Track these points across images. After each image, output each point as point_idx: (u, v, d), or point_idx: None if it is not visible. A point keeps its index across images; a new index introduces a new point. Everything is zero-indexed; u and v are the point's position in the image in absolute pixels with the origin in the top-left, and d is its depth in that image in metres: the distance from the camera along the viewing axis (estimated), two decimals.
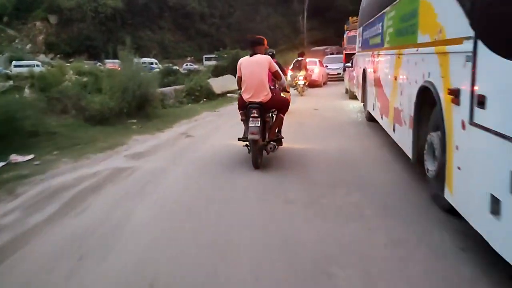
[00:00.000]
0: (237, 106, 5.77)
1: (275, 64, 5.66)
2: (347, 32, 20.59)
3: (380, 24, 7.19)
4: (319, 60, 21.89)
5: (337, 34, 49.04)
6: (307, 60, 17.16)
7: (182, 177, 5.17)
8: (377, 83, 7.35)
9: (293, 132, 7.73)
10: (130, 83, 9.60)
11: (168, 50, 51.96)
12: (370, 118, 8.73)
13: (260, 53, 5.59)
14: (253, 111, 5.29)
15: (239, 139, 5.70)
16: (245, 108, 5.43)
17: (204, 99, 14.86)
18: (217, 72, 21.31)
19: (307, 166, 5.55)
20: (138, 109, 9.82)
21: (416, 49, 4.50)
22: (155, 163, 5.84)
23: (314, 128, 8.61)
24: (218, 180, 5.00)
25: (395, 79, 5.72)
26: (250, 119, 5.28)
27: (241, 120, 5.69)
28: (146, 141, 7.57)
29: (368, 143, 7.01)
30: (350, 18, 21.07)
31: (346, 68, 15.66)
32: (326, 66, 23.13)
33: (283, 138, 6.01)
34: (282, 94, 6.34)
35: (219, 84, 16.19)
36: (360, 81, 10.05)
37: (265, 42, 5.82)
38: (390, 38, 6.38)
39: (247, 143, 5.55)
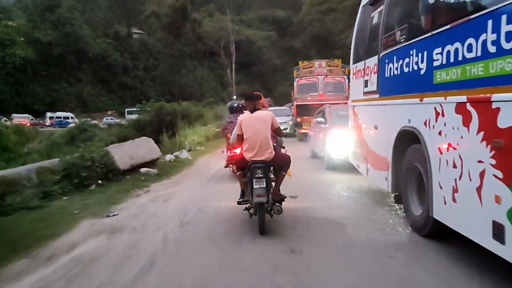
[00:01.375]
0: (234, 166, 5.69)
1: (276, 120, 5.48)
2: (297, 79, 18.08)
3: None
4: None
5: (264, 87, 49.55)
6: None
7: None
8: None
9: None
10: None
11: (87, 103, 48.48)
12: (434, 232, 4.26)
13: (259, 109, 5.43)
14: (258, 171, 4.96)
15: (239, 203, 5.35)
16: (247, 168, 5.14)
17: (99, 181, 8.09)
18: (139, 127, 19.05)
19: None
20: None
21: None
22: None
23: None
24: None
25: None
26: (255, 180, 4.92)
27: (240, 181, 5.43)
28: None
29: None
30: (300, 62, 18.72)
31: (302, 124, 15.20)
32: None
33: (285, 197, 5.46)
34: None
35: (126, 153, 9.44)
36: (378, 149, 5.80)
37: (262, 97, 5.70)
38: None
39: (247, 206, 5.32)
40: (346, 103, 14.14)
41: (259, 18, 58.25)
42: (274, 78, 51.04)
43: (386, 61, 5.21)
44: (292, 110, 19.66)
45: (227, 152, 9.15)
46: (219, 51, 51.17)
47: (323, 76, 17.53)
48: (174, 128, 17.23)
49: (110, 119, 39.64)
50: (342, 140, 8.48)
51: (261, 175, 4.93)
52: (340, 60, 18.55)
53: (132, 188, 7.78)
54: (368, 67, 6.04)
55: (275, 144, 5.68)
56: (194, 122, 20.32)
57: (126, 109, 42.77)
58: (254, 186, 4.88)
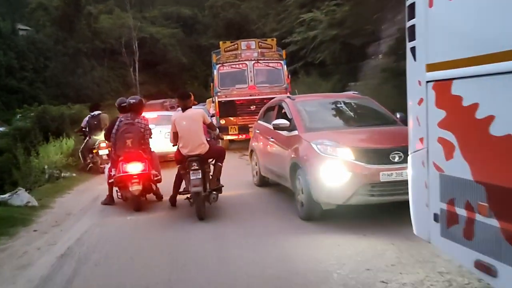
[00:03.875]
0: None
1: (208, 116, 6.57)
2: (217, 66, 13.52)
3: None
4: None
5: (171, 87, 46.96)
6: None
7: None
8: None
9: None
10: None
11: None
12: None
13: (190, 107, 6.22)
14: (193, 163, 5.84)
15: (179, 193, 6.55)
16: (184, 162, 6.00)
17: None
18: (21, 136, 15.71)
19: None
20: None
21: None
22: None
23: None
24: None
25: None
26: (191, 172, 5.80)
27: (180, 173, 6.35)
28: None
29: None
30: (221, 43, 14.07)
31: (228, 129, 13.11)
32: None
33: (223, 186, 6.42)
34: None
35: None
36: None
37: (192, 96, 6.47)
38: None
39: (188, 196, 6.19)
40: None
41: (164, 15, 55.19)
42: (182, 78, 48.69)
43: None
44: (211, 109, 15.14)
45: (110, 171, 7.04)
46: (120, 49, 47.32)
47: (253, 62, 13.40)
48: (61, 136, 14.34)
49: None
50: (336, 161, 5.34)
51: (197, 167, 5.78)
52: (274, 39, 14.37)
53: None
54: None
55: (208, 139, 6.32)
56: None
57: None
58: (191, 178, 5.72)
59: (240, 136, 13.60)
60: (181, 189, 6.55)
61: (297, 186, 6.03)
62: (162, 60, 49.64)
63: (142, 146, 6.83)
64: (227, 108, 13.52)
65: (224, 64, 13.75)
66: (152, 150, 7.50)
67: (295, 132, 6.35)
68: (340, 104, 7.31)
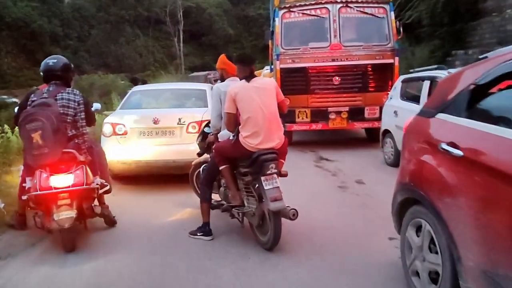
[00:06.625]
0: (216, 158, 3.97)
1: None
2: (281, 12, 8.63)
3: None
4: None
5: (214, 59, 44.08)
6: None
7: None
8: None
9: None
10: None
11: (6, 78, 41.24)
12: None
13: (254, 76, 3.90)
14: (271, 165, 3.67)
15: (222, 210, 4.22)
16: (248, 159, 3.72)
17: None
18: None
19: None
20: None
21: None
22: None
23: None
24: None
25: None
26: (264, 177, 3.66)
27: (223, 179, 4.16)
28: None
29: None
30: None
31: (295, 113, 8.29)
32: None
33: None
34: None
35: None
36: None
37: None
38: None
39: (234, 212, 4.09)
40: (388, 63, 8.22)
41: None
42: (228, 50, 46.08)
43: None
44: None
45: (23, 181, 4.17)
46: (165, 18, 45.33)
47: (339, 6, 8.46)
48: None
49: None
50: None
51: (274, 170, 3.70)
52: None
53: None
54: None
55: None
56: None
57: None
58: (265, 187, 3.66)
59: (314, 126, 8.67)
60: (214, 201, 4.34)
61: None
62: (208, 31, 47.40)
63: (75, 140, 4.06)
64: (294, 80, 8.54)
65: (291, 10, 8.59)
66: (97, 144, 4.92)
67: None
68: None
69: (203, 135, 4.62)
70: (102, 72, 30.57)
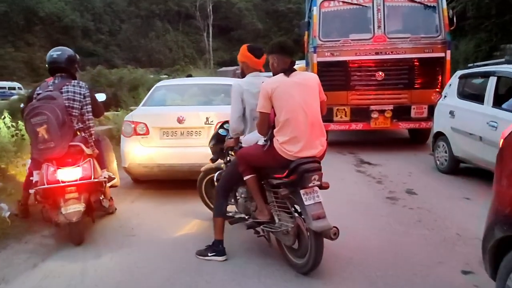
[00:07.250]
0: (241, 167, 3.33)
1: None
2: (318, 2, 7.95)
3: None
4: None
5: None
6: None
7: None
8: None
9: None
10: None
11: (39, 71, 41.82)
12: None
13: (295, 70, 3.18)
14: (314, 176, 3.02)
15: (248, 227, 3.46)
16: (283, 169, 3.07)
17: None
18: None
19: None
20: None
21: None
22: None
23: None
24: None
25: None
26: (304, 191, 3.02)
27: (240, 189, 3.61)
28: None
29: None
30: None
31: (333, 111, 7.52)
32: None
33: None
34: None
35: None
36: None
37: None
38: None
39: (260, 229, 3.43)
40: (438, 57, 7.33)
41: None
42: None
43: None
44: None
45: (30, 174, 4.15)
46: (194, 13, 45.13)
47: None
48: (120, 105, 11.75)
49: None
50: None
51: (317, 183, 3.03)
52: None
53: None
54: None
55: None
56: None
57: None
58: (306, 202, 3.02)
59: (354, 126, 7.97)
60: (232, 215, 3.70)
61: None
62: (237, 26, 46.97)
63: (81, 133, 4.00)
64: (332, 75, 7.75)
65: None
66: (104, 136, 4.86)
67: None
68: None
69: (218, 138, 3.95)
70: (132, 66, 30.53)
